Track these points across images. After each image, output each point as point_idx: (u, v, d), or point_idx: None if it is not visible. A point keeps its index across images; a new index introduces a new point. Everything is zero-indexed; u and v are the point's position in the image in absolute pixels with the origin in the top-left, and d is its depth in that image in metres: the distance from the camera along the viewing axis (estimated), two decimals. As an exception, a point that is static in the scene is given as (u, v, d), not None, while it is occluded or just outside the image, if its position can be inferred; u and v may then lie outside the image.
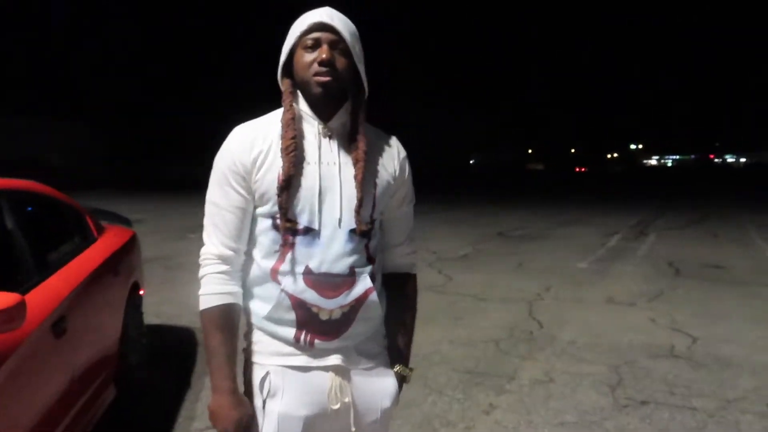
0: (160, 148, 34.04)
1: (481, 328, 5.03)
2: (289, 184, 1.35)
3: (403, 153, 1.53)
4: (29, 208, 2.74)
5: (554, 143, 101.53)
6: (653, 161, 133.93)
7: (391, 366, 1.54)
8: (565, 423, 3.25)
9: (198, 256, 1.45)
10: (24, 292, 2.15)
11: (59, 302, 2.35)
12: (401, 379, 1.55)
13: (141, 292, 3.69)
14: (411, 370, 1.58)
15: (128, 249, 3.54)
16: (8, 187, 2.60)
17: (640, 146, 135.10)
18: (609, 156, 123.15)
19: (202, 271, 1.43)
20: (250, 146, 1.39)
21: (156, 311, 5.15)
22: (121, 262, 3.32)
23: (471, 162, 75.94)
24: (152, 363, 3.81)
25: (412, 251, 1.61)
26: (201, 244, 1.45)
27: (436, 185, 26.97)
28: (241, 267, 1.44)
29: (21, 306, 1.71)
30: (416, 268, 1.63)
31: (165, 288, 6.15)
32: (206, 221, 1.44)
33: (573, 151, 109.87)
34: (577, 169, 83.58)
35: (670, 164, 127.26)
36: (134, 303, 3.50)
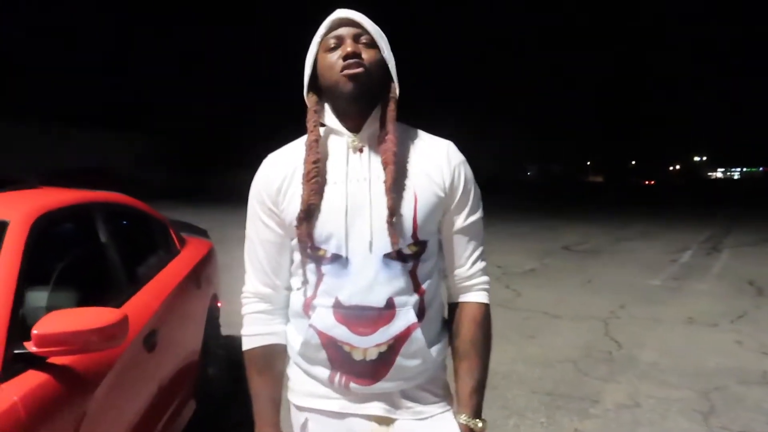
0: (221, 159, 34.88)
1: (556, 347, 4.84)
2: (311, 213, 1.21)
3: (456, 158, 1.29)
4: (119, 221, 2.78)
5: (613, 155, 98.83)
6: (719, 173, 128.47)
7: (456, 416, 1.30)
8: (659, 453, 3.05)
9: None
10: (118, 306, 2.16)
11: (150, 316, 2.36)
12: None
13: (219, 304, 3.71)
14: (483, 421, 1.29)
15: (208, 261, 3.56)
16: (100, 199, 2.64)
17: (704, 158, 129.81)
18: (671, 168, 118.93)
19: (243, 311, 1.36)
20: (275, 175, 1.28)
21: (227, 321, 5.19)
22: (202, 274, 3.34)
23: (528, 174, 74.78)
24: (228, 375, 3.82)
25: (479, 276, 1.33)
26: None
27: (494, 198, 26.57)
28: (284, 303, 1.34)
29: (123, 322, 1.70)
30: (487, 297, 1.34)
31: (235, 299, 6.21)
32: (245, 257, 1.36)
33: (633, 163, 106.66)
34: (646, 182, 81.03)
35: (737, 177, 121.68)
36: (213, 315, 3.52)
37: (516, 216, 18.23)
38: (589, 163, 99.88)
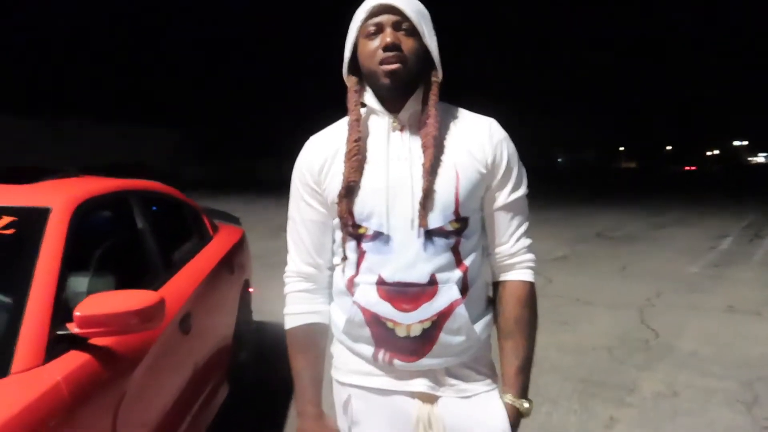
0: (251, 149, 35.24)
1: (590, 334, 4.77)
2: (351, 191, 1.22)
3: (499, 134, 1.29)
4: (155, 208, 2.82)
5: (648, 140, 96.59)
6: (761, 158, 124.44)
7: (502, 396, 1.31)
8: (699, 443, 2.99)
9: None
10: (155, 289, 2.20)
11: (185, 300, 2.40)
12: (514, 412, 1.29)
13: (251, 290, 3.76)
14: (529, 401, 1.30)
15: (240, 247, 3.61)
16: (137, 187, 2.69)
17: (745, 143, 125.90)
18: (708, 153, 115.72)
19: (285, 290, 1.37)
20: (317, 155, 1.30)
21: (258, 308, 5.25)
22: (235, 260, 3.38)
23: (558, 160, 73.66)
24: (260, 360, 3.87)
25: (523, 253, 1.33)
26: None
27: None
28: (327, 283, 1.35)
29: (161, 305, 1.73)
30: (532, 275, 1.34)
31: (264, 285, 6.28)
32: (288, 237, 1.37)
33: (669, 148, 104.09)
34: (687, 168, 79.16)
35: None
36: (245, 301, 3.56)
37: (546, 203, 17.99)
38: (622, 149, 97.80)
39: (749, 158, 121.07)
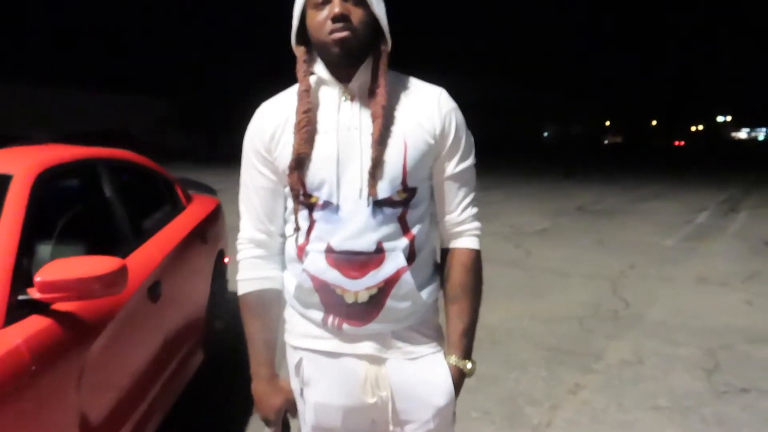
0: (235, 120, 34.92)
1: (563, 304, 4.87)
2: (301, 162, 1.23)
3: (448, 105, 1.30)
4: (125, 177, 2.81)
5: (633, 115, 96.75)
6: (742, 134, 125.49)
7: (447, 357, 1.35)
8: (659, 407, 3.09)
9: None
10: (122, 257, 2.21)
11: (154, 267, 2.41)
12: (458, 373, 1.33)
13: (226, 260, 3.78)
14: (473, 362, 1.35)
15: (214, 218, 3.61)
16: (106, 156, 2.68)
17: (729, 118, 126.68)
18: (693, 129, 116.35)
19: (238, 256, 1.39)
20: (268, 123, 1.30)
21: (235, 279, 5.29)
22: (209, 231, 3.39)
23: (545, 135, 73.75)
24: (235, 329, 3.91)
25: (470, 222, 1.35)
26: None
27: (510, 158, 26.33)
28: (279, 249, 1.37)
29: (123, 271, 1.74)
30: (477, 242, 1.37)
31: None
32: (240, 204, 1.38)
33: (654, 123, 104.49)
34: (676, 143, 79.55)
35: (762, 138, 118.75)
36: (220, 271, 3.59)
37: (530, 177, 18.11)
38: (608, 123, 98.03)
39: (732, 134, 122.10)
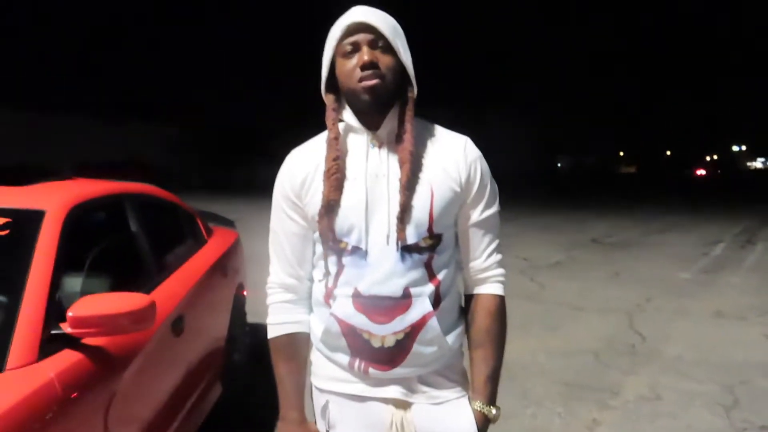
0: (249, 152, 35.24)
1: (579, 338, 4.85)
2: (331, 208, 1.26)
3: (473, 154, 1.33)
4: (150, 211, 2.89)
5: (647, 145, 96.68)
6: (758, 164, 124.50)
7: (471, 402, 1.36)
8: (677, 444, 3.06)
9: None
10: (147, 292, 2.28)
11: (178, 302, 2.47)
12: (482, 419, 1.34)
13: (244, 293, 3.83)
14: (497, 408, 1.37)
15: (234, 251, 3.68)
16: (132, 191, 2.77)
17: (743, 147, 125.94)
18: (708, 158, 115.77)
19: (268, 300, 1.42)
20: (298, 171, 1.33)
21: (253, 310, 5.31)
22: (229, 264, 3.45)
23: (558, 165, 73.77)
24: (254, 361, 3.94)
25: (494, 268, 1.38)
26: None
27: (523, 189, 26.34)
28: (307, 294, 1.40)
29: (152, 307, 1.80)
30: (502, 288, 1.39)
31: (260, 287, 6.35)
32: (270, 249, 1.41)
33: (669, 153, 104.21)
34: (696, 172, 78.83)
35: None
36: (239, 303, 3.64)
37: (544, 209, 18.08)
38: (622, 153, 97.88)
39: (748, 163, 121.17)
